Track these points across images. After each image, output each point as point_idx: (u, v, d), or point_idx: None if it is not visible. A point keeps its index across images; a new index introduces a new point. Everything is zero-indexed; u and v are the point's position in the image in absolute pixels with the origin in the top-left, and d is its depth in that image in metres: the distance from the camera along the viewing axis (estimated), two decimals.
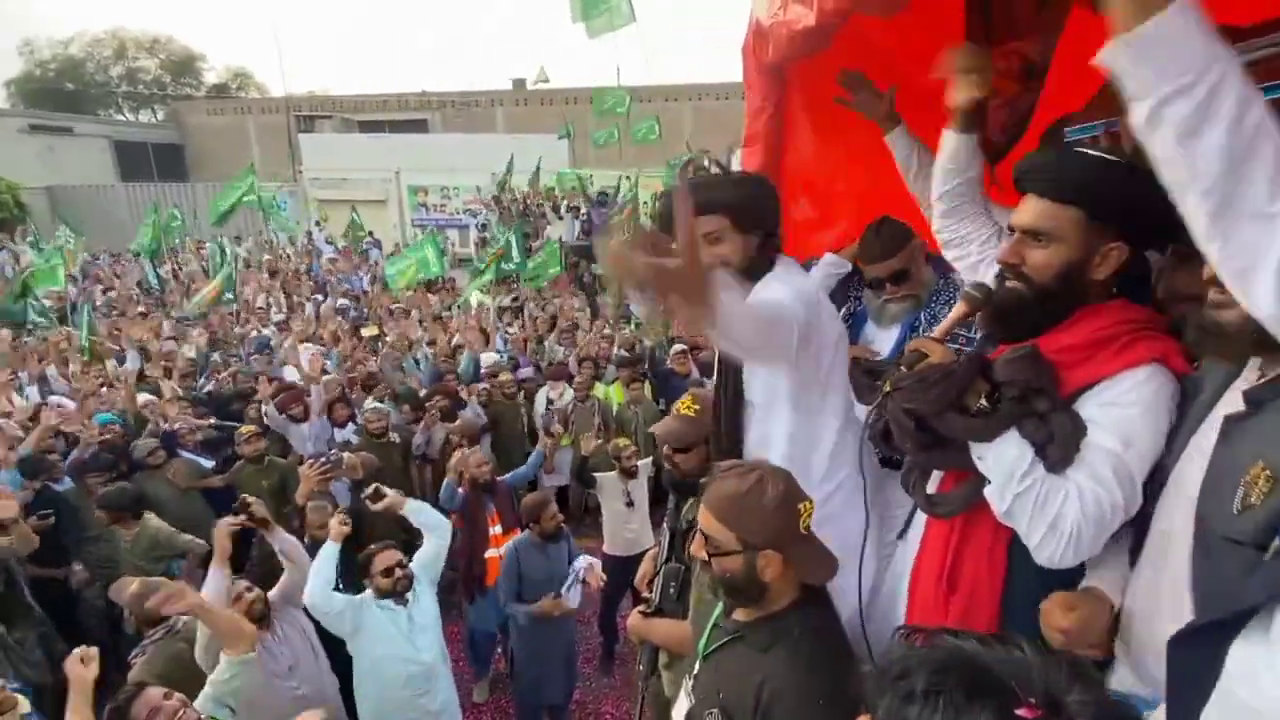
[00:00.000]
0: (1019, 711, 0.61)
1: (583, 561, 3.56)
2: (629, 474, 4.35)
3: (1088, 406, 1.16)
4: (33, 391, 5.99)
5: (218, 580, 2.79)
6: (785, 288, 1.61)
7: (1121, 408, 1.13)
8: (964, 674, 0.64)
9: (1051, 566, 1.15)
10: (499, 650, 4.36)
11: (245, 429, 4.51)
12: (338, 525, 3.06)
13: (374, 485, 3.32)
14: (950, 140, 1.54)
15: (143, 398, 5.32)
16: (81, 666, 2.20)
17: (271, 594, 2.96)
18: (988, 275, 1.40)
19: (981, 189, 1.60)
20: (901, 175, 1.82)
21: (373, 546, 3.07)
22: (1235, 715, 0.86)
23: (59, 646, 3.48)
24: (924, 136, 1.97)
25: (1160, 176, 0.89)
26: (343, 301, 10.31)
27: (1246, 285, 0.86)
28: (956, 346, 1.46)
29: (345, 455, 4.18)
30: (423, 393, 5.69)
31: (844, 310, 2.29)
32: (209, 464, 4.74)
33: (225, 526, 2.91)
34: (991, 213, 1.60)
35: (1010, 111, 1.83)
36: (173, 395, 5.39)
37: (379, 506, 3.23)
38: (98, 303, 8.11)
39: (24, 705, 2.42)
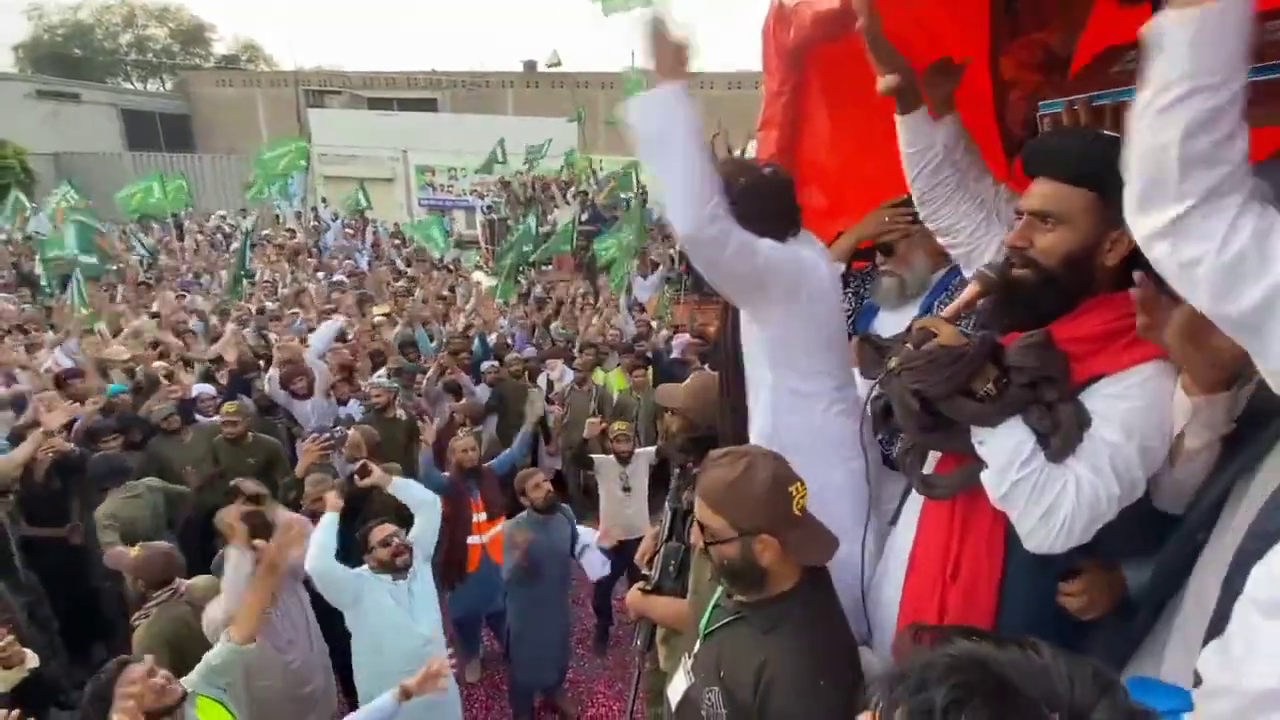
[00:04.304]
0: None
1: (589, 534, 3.60)
2: (622, 459, 4.36)
3: (1094, 399, 1.16)
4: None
5: (244, 562, 2.72)
6: (788, 248, 1.55)
7: (1127, 401, 1.12)
8: (988, 688, 0.60)
9: (1039, 553, 1.16)
10: (490, 629, 4.39)
11: (229, 407, 4.40)
12: (335, 496, 3.11)
13: (361, 462, 3.36)
14: (899, 125, 1.49)
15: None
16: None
17: None
18: (981, 263, 1.37)
19: (970, 175, 1.52)
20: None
21: (370, 523, 3.08)
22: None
23: (42, 611, 3.50)
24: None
25: (1129, 162, 0.89)
26: (338, 277, 10.22)
27: (1189, 277, 0.87)
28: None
29: (350, 431, 4.18)
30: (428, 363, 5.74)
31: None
32: None
33: (230, 516, 2.86)
34: (990, 201, 1.53)
35: (1032, 104, 1.81)
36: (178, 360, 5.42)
37: (365, 483, 3.29)
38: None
39: (32, 660, 2.45)
